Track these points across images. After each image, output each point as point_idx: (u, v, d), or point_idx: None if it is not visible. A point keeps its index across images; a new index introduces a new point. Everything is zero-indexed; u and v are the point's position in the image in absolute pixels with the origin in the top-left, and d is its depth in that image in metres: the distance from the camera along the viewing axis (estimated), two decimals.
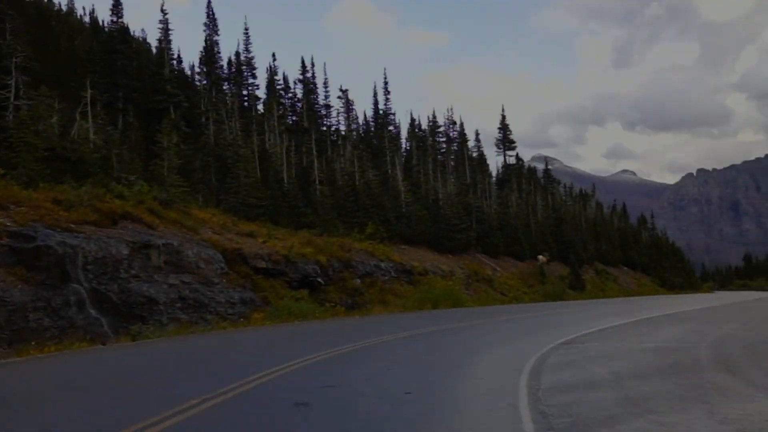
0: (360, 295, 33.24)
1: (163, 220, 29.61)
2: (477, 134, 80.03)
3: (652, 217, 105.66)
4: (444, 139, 72.43)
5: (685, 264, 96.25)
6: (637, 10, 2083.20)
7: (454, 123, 73.34)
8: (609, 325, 21.55)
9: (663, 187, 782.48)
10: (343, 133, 60.78)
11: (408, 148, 67.47)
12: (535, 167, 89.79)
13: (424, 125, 71.36)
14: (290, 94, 58.83)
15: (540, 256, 60.09)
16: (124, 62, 43.37)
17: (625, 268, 79.87)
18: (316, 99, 60.17)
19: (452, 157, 70.36)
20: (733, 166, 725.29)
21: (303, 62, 58.85)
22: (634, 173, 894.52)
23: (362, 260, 36.83)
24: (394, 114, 72.55)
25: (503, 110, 78.96)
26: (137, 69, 46.06)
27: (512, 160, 79.17)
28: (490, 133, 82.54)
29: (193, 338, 19.49)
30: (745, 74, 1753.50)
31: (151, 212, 29.41)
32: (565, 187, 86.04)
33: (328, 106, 60.98)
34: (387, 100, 65.36)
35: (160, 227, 28.55)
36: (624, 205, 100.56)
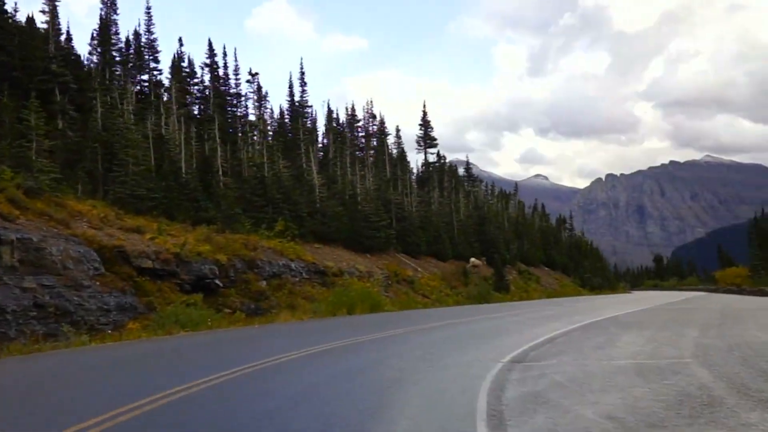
0: (265, 299, 28.91)
1: (26, 212, 24.63)
2: (398, 130, 76.59)
3: (571, 217, 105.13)
4: (363, 134, 68.61)
5: (603, 264, 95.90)
6: (552, 20, 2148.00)
7: (374, 117, 69.66)
8: (554, 334, 18.08)
9: (574, 192, 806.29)
10: (252, 119, 55.57)
11: (325, 141, 63.30)
12: (456, 167, 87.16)
13: (343, 119, 67.41)
14: (197, 79, 53.45)
15: (473, 259, 57.47)
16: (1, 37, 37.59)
17: (547, 268, 78.16)
18: (226, 87, 55.02)
19: (372, 152, 66.63)
20: (639, 172, 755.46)
21: (210, 45, 53.74)
22: (546, 178, 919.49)
23: (270, 260, 32.53)
24: (310, 107, 67.84)
25: (424, 106, 76.01)
26: (19, 46, 40.19)
27: (433, 158, 76.33)
28: (410, 136, 79.51)
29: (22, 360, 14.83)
30: (651, 84, 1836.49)
31: (11, 202, 24.34)
32: (486, 186, 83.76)
33: (238, 95, 55.87)
34: (303, 92, 60.97)
35: (20, 219, 23.55)
36: (543, 206, 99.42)
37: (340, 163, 54.89)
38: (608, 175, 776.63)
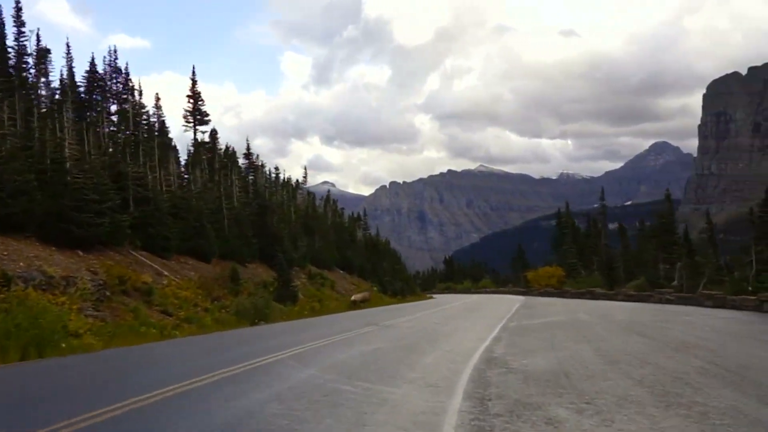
0: None
1: None
2: (157, 99, 58.59)
3: (365, 215, 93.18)
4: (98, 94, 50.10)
5: (402, 266, 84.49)
6: (336, 31, 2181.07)
7: (119, 71, 51.38)
8: None
9: (359, 198, 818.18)
10: None
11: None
12: (234, 150, 70.77)
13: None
14: None
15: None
16: None
17: (342, 271, 64.71)
18: None
19: (113, 114, 48.70)
20: (420, 180, 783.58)
21: None
22: (333, 185, 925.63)
23: None
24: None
25: (194, 73, 59.01)
26: None
27: (205, 140, 59.51)
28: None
29: None
30: (429, 97, 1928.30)
31: None
32: (269, 172, 68.10)
33: None
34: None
35: None
36: (335, 201, 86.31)
37: (51, 123, 36.59)
38: (392, 183, 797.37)
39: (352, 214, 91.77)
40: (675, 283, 45.93)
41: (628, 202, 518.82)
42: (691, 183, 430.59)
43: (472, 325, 23.61)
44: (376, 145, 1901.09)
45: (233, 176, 51.11)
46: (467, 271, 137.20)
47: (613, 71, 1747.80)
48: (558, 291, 57.94)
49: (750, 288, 33.41)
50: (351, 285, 60.64)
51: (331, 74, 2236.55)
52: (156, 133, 51.69)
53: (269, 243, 47.06)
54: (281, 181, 68.00)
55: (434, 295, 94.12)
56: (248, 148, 70.64)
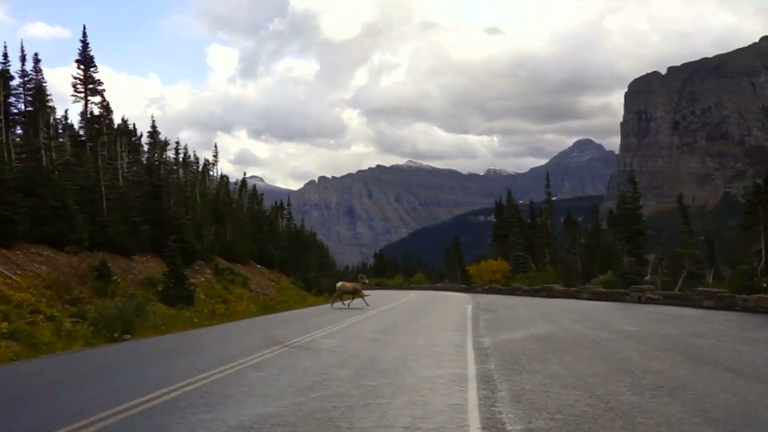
0: None
1: None
2: (37, 60, 47.96)
3: (289, 204, 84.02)
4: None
5: (329, 261, 75.57)
6: (262, 24, 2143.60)
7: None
8: None
9: (288, 193, 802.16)
10: None
11: None
12: (134, 126, 60.29)
13: None
14: None
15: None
16: None
17: (260, 266, 55.64)
18: None
19: None
20: (349, 175, 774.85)
21: None
22: (262, 179, 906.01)
23: None
24: None
25: (85, 35, 48.47)
26: None
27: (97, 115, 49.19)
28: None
29: None
30: (357, 92, 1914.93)
31: None
32: (177, 151, 57.71)
33: None
34: None
35: None
36: (255, 187, 76.71)
37: None
38: (320, 178, 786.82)
39: (276, 203, 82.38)
40: (647, 278, 39.19)
41: (554, 198, 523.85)
42: (613, 179, 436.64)
43: (429, 345, 15.38)
44: (304, 140, 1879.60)
45: (118, 148, 41.28)
46: (399, 266, 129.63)
47: (537, 70, 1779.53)
48: (507, 288, 50.31)
49: (765, 284, 26.43)
50: (269, 282, 51.66)
51: (258, 67, 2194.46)
52: (29, 98, 41.48)
53: (164, 231, 37.69)
54: (188, 161, 57.62)
55: (368, 293, 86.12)
56: (153, 126, 60.40)
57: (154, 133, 57.98)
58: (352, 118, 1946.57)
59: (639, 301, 33.11)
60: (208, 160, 62.10)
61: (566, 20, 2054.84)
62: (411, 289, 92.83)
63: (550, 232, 61.91)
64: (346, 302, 34.70)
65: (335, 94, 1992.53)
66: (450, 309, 29.95)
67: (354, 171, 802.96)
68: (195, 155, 62.56)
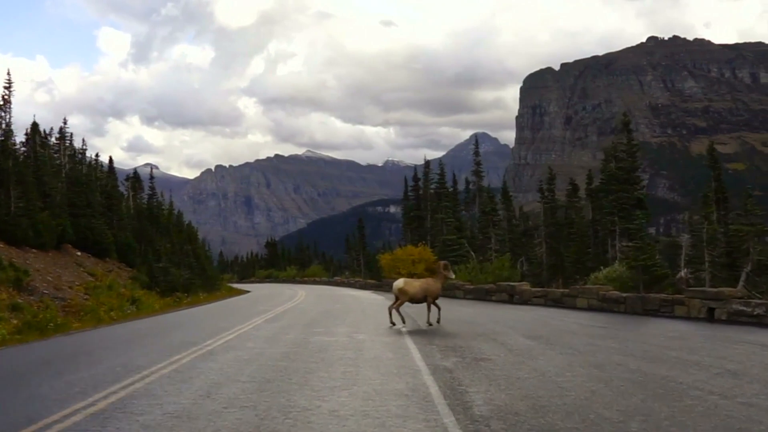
0: None
1: None
2: None
3: (152, 178, 64.94)
4: None
5: (199, 247, 57.02)
6: (155, 9, 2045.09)
7: None
8: None
9: (184, 182, 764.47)
10: None
11: None
12: None
13: None
14: None
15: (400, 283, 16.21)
16: None
17: (80, 252, 37.26)
18: None
19: None
20: (247, 164, 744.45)
21: None
22: (156, 167, 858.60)
23: None
24: None
25: None
26: None
27: None
28: None
29: None
30: (253, 80, 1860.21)
31: None
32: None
33: None
34: None
35: None
36: (97, 154, 57.29)
37: None
38: (218, 167, 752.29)
39: (110, 159, 61.99)
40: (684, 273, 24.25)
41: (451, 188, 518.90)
42: (509, 172, 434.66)
43: None
44: (199, 127, 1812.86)
45: None
46: (293, 257, 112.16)
47: (432, 63, 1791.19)
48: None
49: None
50: (87, 276, 33.50)
51: (152, 53, 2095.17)
52: None
53: None
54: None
55: (252, 287, 68.69)
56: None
57: None
58: (248, 106, 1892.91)
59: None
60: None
61: (460, 16, 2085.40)
62: (305, 283, 75.95)
63: (495, 207, 46.40)
64: (429, 322, 16.07)
65: (231, 82, 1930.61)
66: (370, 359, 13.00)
67: (252, 160, 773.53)
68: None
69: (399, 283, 16.19)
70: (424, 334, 14.31)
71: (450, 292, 30.41)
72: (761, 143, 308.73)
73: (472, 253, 37.88)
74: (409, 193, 61.09)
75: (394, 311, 16.13)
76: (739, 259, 28.93)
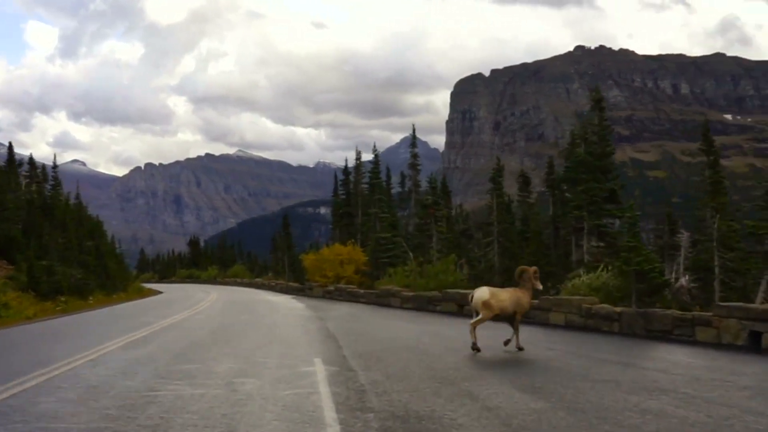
0: None
1: None
2: None
3: (55, 166, 57.44)
4: None
5: (103, 243, 49.70)
6: (84, 4, 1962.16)
7: None
8: None
9: (112, 179, 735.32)
10: None
11: None
12: None
13: None
14: None
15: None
16: None
17: None
18: None
19: None
20: (177, 163, 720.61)
21: None
22: (84, 164, 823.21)
23: None
24: None
25: None
26: None
27: None
28: None
29: None
30: (184, 78, 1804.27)
31: None
32: None
33: None
34: None
35: None
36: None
37: None
38: (147, 164, 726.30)
39: (30, 159, 55.34)
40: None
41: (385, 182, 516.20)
42: (438, 175, 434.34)
43: None
44: (127, 124, 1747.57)
45: None
46: (216, 256, 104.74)
47: (362, 66, 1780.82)
48: (370, 293, 28.01)
49: None
50: None
51: (80, 48, 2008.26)
52: None
53: None
54: None
55: (168, 287, 62.34)
56: None
57: None
58: (178, 104, 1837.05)
59: None
60: None
61: (391, 20, 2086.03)
62: (226, 284, 69.47)
63: (438, 200, 41.26)
64: (519, 346, 11.92)
65: (161, 79, 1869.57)
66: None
67: (182, 159, 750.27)
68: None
69: (483, 293, 11.62)
70: (355, 384, 8.79)
71: (384, 299, 25.00)
72: (680, 152, 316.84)
73: (410, 254, 32.65)
74: (339, 190, 55.73)
75: (477, 322, 11.66)
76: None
